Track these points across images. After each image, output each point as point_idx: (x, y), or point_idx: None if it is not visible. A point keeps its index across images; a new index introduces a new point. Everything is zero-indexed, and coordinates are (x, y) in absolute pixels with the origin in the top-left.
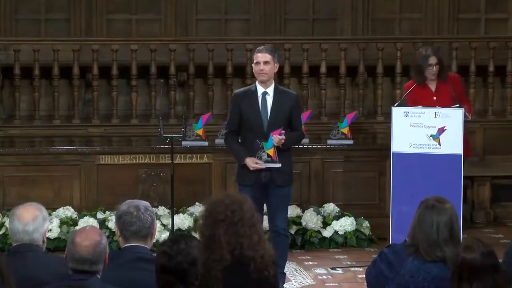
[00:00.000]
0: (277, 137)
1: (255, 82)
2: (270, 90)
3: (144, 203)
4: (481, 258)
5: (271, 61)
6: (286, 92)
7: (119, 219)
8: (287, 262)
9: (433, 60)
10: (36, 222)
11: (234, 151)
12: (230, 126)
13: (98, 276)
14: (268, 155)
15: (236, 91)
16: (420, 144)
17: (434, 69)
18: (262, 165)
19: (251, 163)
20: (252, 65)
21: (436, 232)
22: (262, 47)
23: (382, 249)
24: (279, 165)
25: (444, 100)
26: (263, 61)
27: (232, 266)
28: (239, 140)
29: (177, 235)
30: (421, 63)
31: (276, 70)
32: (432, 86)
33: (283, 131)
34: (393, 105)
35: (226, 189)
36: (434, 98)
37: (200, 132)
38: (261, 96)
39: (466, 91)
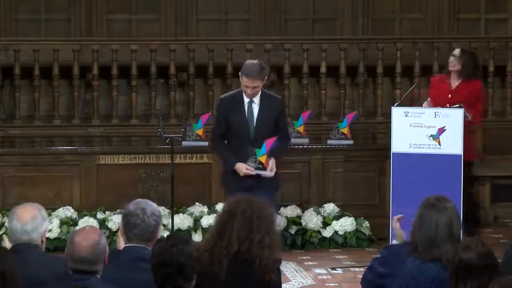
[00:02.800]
0: (269, 173)
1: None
2: (257, 98)
3: (152, 207)
4: (477, 258)
5: (260, 83)
6: (272, 97)
7: (124, 218)
8: (287, 262)
9: (456, 52)
10: (35, 221)
11: (223, 156)
12: (218, 130)
13: (98, 276)
14: (260, 162)
15: (223, 96)
16: (420, 144)
17: (453, 61)
18: (253, 171)
19: (243, 168)
20: (240, 79)
21: (435, 230)
22: (250, 69)
23: (380, 251)
24: (271, 174)
25: (455, 101)
26: (252, 86)
27: (237, 261)
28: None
29: (170, 234)
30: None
31: (265, 81)
32: (453, 84)
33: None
34: (393, 105)
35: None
36: (449, 95)
37: (200, 132)
38: (247, 104)
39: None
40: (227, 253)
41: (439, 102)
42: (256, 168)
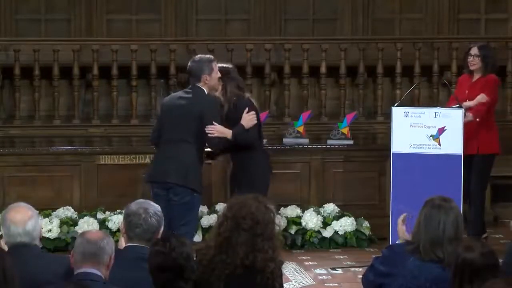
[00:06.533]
0: None
1: (206, 91)
2: None
3: (155, 207)
4: (481, 258)
5: None
6: None
7: (126, 218)
8: (287, 262)
9: (473, 51)
10: (32, 220)
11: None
12: None
13: (101, 275)
14: None
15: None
16: (420, 144)
17: (473, 60)
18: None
19: None
20: (209, 77)
21: (443, 231)
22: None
23: (381, 251)
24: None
25: (472, 96)
26: None
27: (239, 271)
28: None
29: (166, 234)
30: (465, 53)
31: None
32: (473, 79)
33: None
34: (393, 105)
35: (226, 189)
36: (467, 91)
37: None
38: None
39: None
40: (228, 269)
41: (461, 100)
42: None
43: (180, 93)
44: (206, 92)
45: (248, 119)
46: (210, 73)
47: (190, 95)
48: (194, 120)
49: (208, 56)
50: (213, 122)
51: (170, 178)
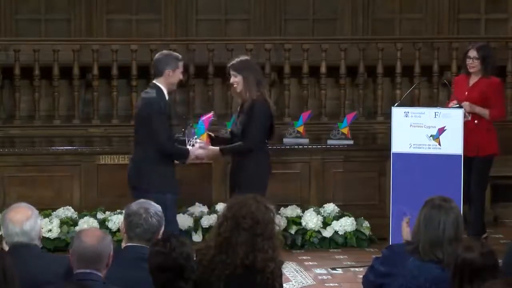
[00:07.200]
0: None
1: (164, 88)
2: None
3: (155, 207)
4: (481, 258)
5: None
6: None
7: (127, 218)
8: (287, 262)
9: (472, 53)
10: (31, 220)
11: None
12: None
13: (101, 275)
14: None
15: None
16: (420, 144)
17: (472, 62)
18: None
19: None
20: (173, 72)
21: (443, 231)
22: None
23: (381, 251)
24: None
25: (472, 97)
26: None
27: (239, 271)
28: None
29: (166, 234)
30: (464, 54)
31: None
32: (472, 81)
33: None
34: (393, 105)
35: (226, 189)
36: (466, 93)
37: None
38: None
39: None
40: (228, 269)
41: (459, 100)
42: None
43: (142, 93)
44: (163, 91)
45: (195, 156)
46: (174, 69)
47: (145, 95)
48: (146, 122)
49: (177, 54)
50: (158, 126)
51: (133, 182)
